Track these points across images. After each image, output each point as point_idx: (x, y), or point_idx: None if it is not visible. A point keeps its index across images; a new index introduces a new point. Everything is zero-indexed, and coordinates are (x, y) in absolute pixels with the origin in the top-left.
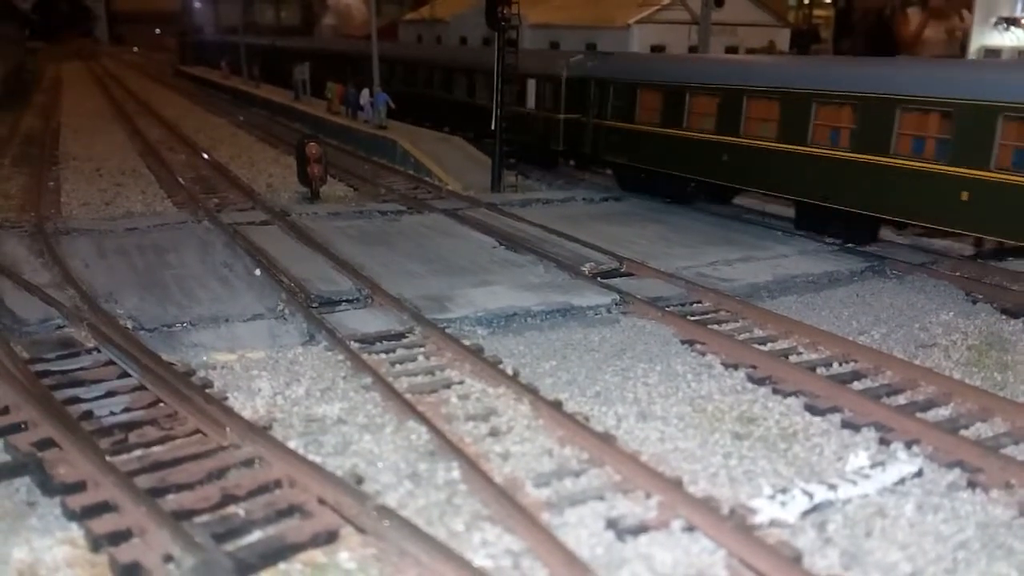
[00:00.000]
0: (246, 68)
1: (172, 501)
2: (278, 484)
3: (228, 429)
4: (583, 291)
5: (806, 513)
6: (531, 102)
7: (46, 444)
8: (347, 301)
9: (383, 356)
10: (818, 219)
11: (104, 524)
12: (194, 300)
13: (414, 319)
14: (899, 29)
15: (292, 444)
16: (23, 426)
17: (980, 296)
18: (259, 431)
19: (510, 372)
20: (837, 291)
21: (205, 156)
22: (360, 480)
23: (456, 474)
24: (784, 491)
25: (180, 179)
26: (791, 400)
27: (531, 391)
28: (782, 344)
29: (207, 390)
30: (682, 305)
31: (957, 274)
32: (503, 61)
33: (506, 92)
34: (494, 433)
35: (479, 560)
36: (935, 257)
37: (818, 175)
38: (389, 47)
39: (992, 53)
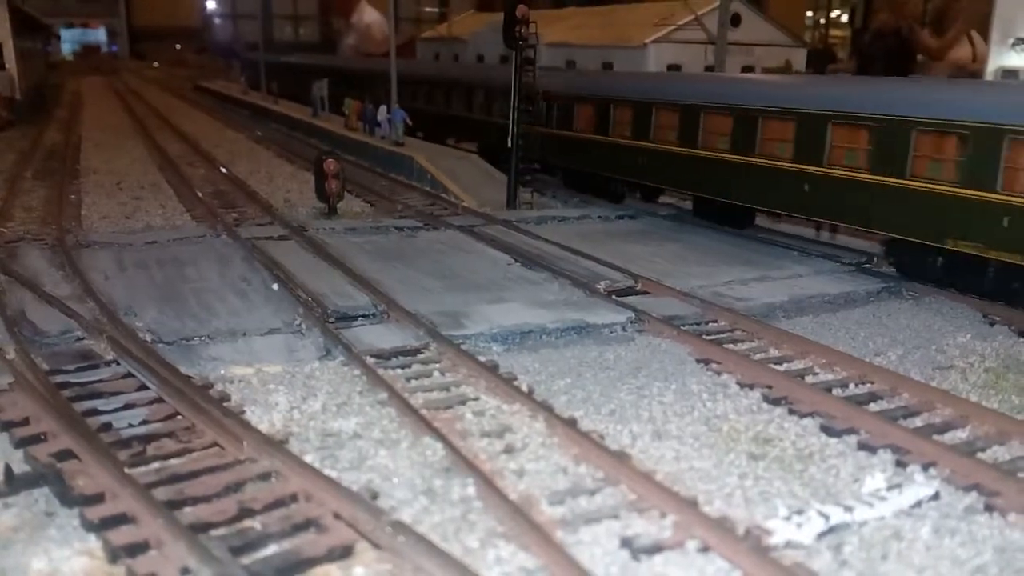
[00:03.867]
0: (265, 84)
1: (189, 514)
2: (294, 498)
3: (245, 443)
4: (598, 309)
5: (822, 535)
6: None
7: (65, 455)
8: (363, 316)
9: (399, 371)
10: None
11: (122, 536)
12: (212, 314)
13: (430, 335)
14: (920, 49)
15: (308, 458)
16: (43, 437)
17: (998, 318)
18: (276, 445)
19: (525, 389)
20: (853, 312)
21: (224, 171)
22: (375, 495)
23: (471, 490)
24: (800, 512)
25: (199, 193)
26: (807, 421)
27: (546, 408)
28: (798, 364)
29: (224, 403)
30: (697, 324)
31: (975, 296)
32: (520, 79)
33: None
34: (509, 450)
35: None
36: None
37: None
38: (406, 64)
39: (1010, 74)
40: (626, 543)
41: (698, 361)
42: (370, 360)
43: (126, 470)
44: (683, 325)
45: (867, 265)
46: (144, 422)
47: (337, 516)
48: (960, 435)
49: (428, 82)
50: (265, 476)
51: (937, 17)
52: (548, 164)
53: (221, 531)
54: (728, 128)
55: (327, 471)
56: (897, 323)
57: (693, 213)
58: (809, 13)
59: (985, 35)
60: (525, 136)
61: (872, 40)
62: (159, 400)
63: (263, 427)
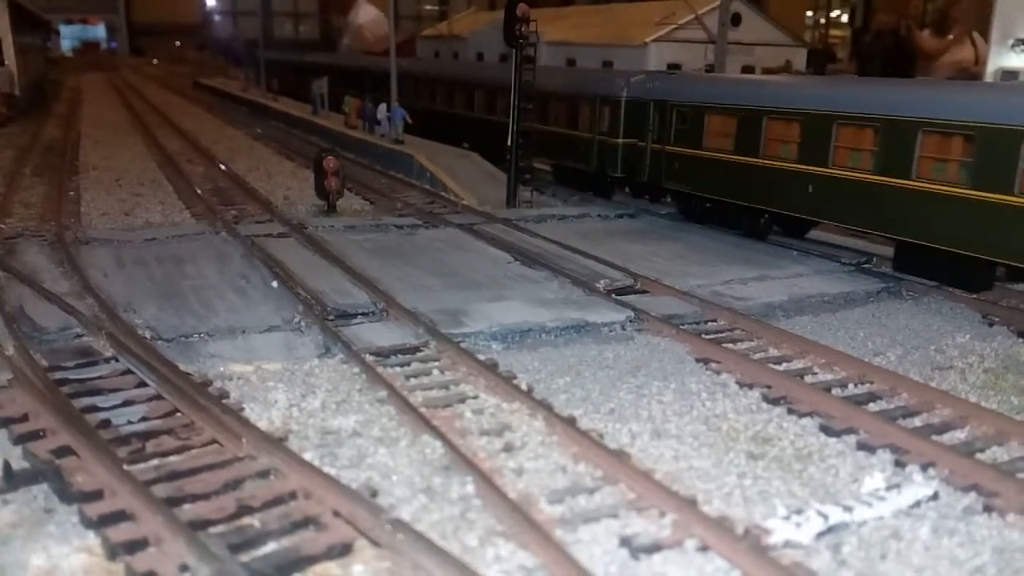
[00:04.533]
0: (265, 81)
1: (188, 511)
2: (293, 496)
3: (244, 440)
4: (598, 308)
5: (821, 535)
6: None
7: (64, 452)
8: (363, 314)
9: (398, 370)
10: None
11: (121, 533)
12: (211, 311)
13: (429, 333)
14: (917, 49)
15: (307, 456)
16: (41, 433)
17: (997, 319)
18: (275, 442)
19: (524, 387)
20: (853, 312)
21: (223, 168)
22: (375, 493)
23: (470, 489)
24: (799, 512)
25: (198, 190)
26: (806, 421)
27: (545, 407)
28: (797, 364)
29: (224, 401)
30: (697, 323)
31: (974, 296)
32: (520, 78)
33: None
34: (508, 448)
35: None
36: None
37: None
38: (409, 63)
39: (1010, 75)
40: (625, 542)
41: (697, 360)
42: (369, 358)
43: (125, 467)
44: (682, 324)
45: (866, 265)
46: (143, 419)
47: (336, 514)
48: (959, 435)
49: (468, 86)
50: (264, 474)
51: (939, 18)
52: (656, 187)
53: (220, 528)
54: (964, 153)
55: (326, 469)
56: (896, 323)
57: (894, 265)
58: (809, 13)
59: (986, 36)
60: (525, 135)
61: (872, 40)
62: (158, 397)
63: (262, 424)
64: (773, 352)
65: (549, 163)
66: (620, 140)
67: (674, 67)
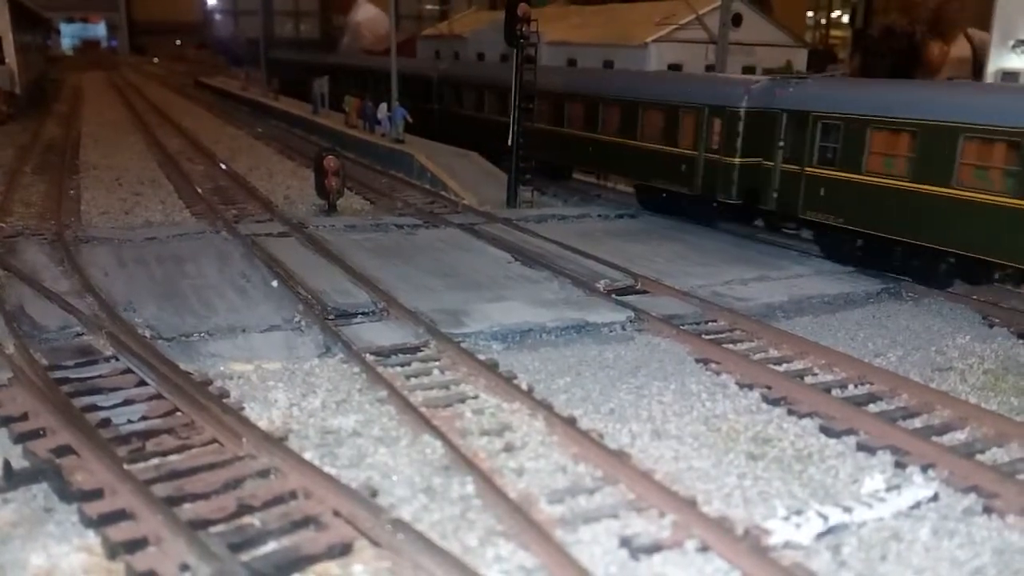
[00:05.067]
0: (266, 80)
1: (188, 510)
2: (293, 495)
3: (244, 439)
4: (598, 308)
5: (821, 535)
6: None
7: (64, 451)
8: (363, 314)
9: (398, 369)
10: None
11: (121, 532)
12: (212, 310)
13: (429, 333)
14: (926, 54)
15: (308, 455)
16: (41, 432)
17: (997, 320)
18: (275, 442)
19: (525, 388)
20: (853, 312)
21: (223, 167)
22: (375, 493)
23: (470, 489)
24: (799, 513)
25: (199, 189)
26: (806, 421)
27: (546, 407)
28: (797, 365)
29: (224, 400)
30: (697, 324)
31: (974, 298)
32: (521, 78)
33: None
34: (508, 448)
35: None
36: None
37: None
38: (448, 65)
39: (1010, 76)
40: (625, 542)
41: (697, 361)
42: (370, 358)
43: (125, 466)
44: (683, 325)
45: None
46: (143, 418)
47: (336, 513)
48: (959, 436)
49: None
50: (264, 473)
51: (934, 19)
52: (789, 217)
53: (220, 528)
54: None
55: (326, 468)
56: (897, 324)
57: None
58: (810, 13)
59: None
60: (525, 135)
61: (881, 37)
62: (158, 396)
63: (262, 424)
64: (773, 353)
65: (631, 183)
66: (737, 159)
67: (675, 67)
